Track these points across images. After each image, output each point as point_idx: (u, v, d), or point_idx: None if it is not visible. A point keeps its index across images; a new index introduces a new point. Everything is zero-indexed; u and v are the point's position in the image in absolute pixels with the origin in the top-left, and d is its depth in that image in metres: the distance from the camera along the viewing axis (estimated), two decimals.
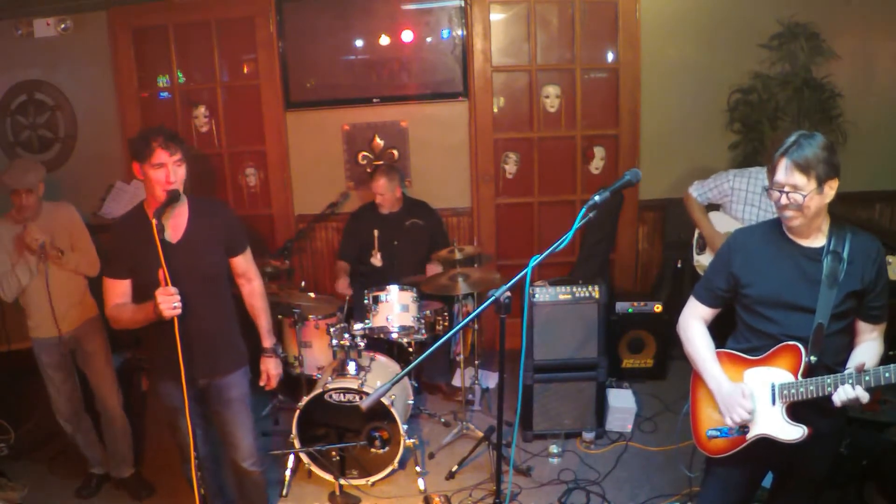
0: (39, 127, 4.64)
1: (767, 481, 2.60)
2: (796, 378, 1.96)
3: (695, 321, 2.20)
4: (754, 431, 2.03)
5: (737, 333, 2.18)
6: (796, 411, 1.99)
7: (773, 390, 2.00)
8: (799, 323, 1.96)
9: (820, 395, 1.90)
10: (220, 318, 2.55)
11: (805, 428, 1.95)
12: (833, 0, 4.17)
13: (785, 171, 1.90)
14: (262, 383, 2.77)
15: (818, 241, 1.99)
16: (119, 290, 2.42)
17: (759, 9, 4.19)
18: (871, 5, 4.19)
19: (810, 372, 1.94)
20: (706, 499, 2.30)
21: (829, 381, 1.88)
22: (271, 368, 2.75)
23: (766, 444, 2.03)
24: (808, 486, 2.20)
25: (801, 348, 1.95)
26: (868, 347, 2.00)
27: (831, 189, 1.91)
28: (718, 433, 2.11)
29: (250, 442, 2.66)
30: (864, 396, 1.83)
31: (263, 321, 2.74)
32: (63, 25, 4.43)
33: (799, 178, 1.87)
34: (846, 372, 1.89)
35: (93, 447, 3.39)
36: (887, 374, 1.81)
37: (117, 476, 3.38)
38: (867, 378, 1.83)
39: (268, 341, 2.75)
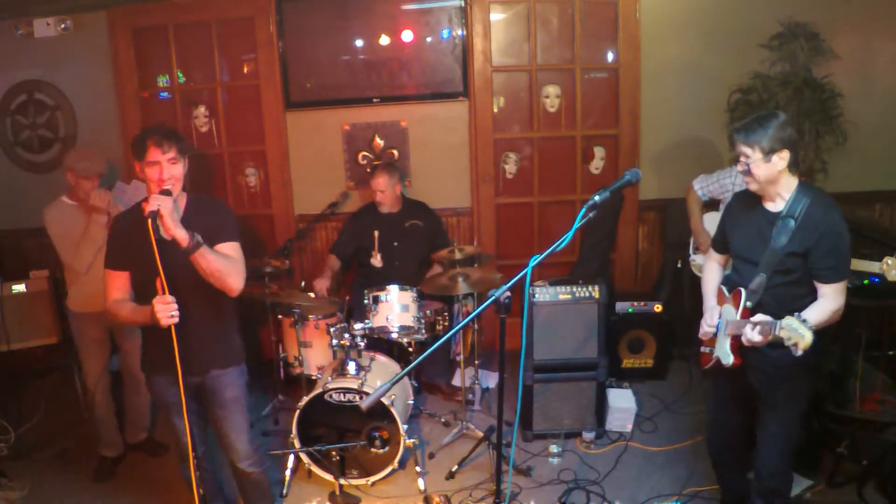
0: (39, 127, 4.64)
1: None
2: (737, 317, 2.36)
3: (711, 262, 2.69)
4: (714, 353, 2.50)
5: None
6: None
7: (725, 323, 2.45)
8: (749, 274, 2.35)
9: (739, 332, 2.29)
10: (215, 314, 2.52)
11: (732, 357, 2.38)
12: (833, 0, 4.16)
13: (735, 143, 2.30)
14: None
15: (779, 205, 2.31)
16: (119, 283, 2.41)
17: (759, 9, 4.18)
18: (871, 5, 4.19)
19: (752, 314, 2.29)
20: (710, 406, 2.79)
21: (746, 324, 2.25)
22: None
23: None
24: (772, 408, 2.44)
25: (742, 294, 2.35)
26: (817, 304, 2.26)
27: (781, 160, 2.22)
28: (703, 347, 2.65)
29: (245, 443, 2.63)
30: (756, 338, 2.17)
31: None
32: (63, 25, 4.42)
33: (745, 149, 2.26)
34: (759, 318, 2.20)
35: (108, 424, 3.51)
36: (778, 333, 2.09)
37: (133, 441, 3.66)
38: (763, 328, 2.17)
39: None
